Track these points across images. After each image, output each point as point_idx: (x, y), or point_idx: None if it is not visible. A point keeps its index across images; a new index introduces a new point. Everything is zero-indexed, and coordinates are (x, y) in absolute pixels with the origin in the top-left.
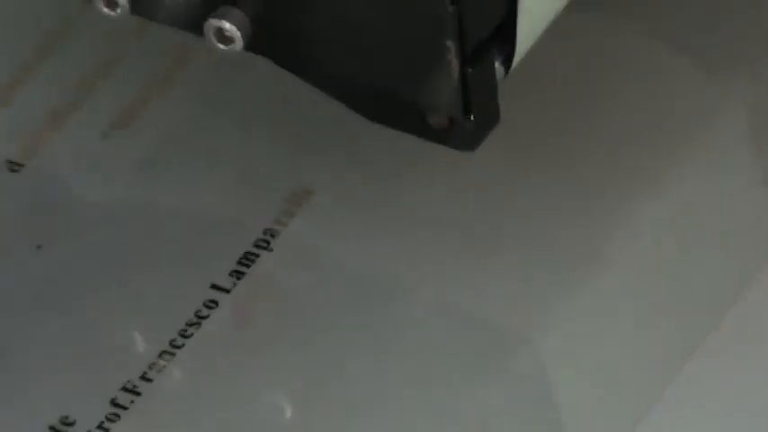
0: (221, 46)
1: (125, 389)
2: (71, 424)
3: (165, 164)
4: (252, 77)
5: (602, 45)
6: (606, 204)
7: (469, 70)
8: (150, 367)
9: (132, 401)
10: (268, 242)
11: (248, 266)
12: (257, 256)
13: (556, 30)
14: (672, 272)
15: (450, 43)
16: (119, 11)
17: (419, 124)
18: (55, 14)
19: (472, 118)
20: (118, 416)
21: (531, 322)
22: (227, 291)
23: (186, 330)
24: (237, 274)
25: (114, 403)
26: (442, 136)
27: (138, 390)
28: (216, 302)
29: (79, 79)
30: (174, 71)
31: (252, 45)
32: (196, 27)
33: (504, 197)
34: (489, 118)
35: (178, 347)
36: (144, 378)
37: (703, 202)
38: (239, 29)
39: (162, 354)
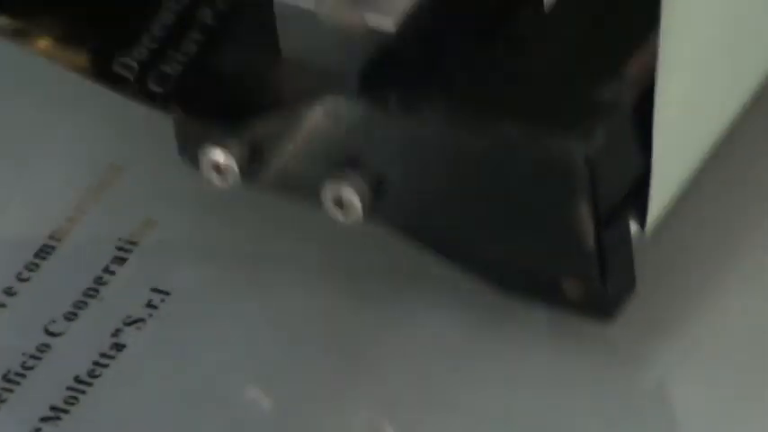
0: (340, 216)
1: None
2: None
3: None
4: None
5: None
6: None
7: (605, 233)
8: None
9: None
10: None
11: None
12: None
13: None
14: None
15: (584, 205)
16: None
17: (553, 294)
18: None
19: (608, 285)
20: None
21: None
22: None
23: None
24: None
25: None
26: (578, 305)
27: None
28: None
29: None
30: None
31: (372, 214)
32: (311, 195)
33: None
34: (627, 283)
35: None
36: None
37: None
38: (360, 196)
39: None
